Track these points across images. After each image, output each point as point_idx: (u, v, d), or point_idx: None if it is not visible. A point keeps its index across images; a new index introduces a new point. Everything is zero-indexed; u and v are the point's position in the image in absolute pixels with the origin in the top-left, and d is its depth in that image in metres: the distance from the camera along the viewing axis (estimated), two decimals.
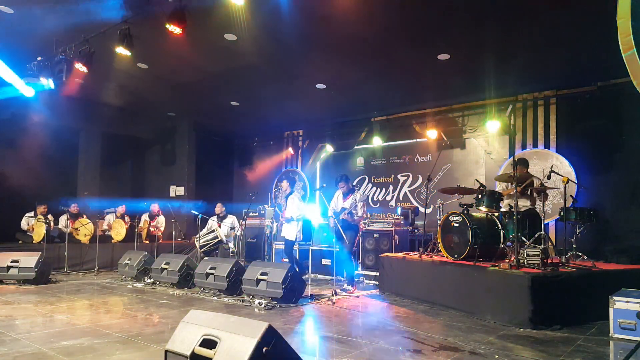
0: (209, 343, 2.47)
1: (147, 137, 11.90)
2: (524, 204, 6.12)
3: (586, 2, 5.07)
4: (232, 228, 9.15)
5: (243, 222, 9.19)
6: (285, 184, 7.73)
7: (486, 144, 8.64)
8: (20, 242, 8.67)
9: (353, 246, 6.74)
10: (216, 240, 8.57)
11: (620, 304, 4.30)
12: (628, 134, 7.03)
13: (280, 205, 11.33)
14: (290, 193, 7.64)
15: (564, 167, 7.51)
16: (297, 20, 5.78)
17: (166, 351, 2.66)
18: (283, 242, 7.85)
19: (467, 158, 8.86)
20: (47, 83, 6.96)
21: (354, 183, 8.40)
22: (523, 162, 6.45)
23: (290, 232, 7.36)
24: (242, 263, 6.86)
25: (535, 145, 8.00)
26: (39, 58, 7.05)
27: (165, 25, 5.40)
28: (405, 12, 5.56)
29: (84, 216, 9.33)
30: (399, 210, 8.60)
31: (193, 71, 7.76)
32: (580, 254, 6.02)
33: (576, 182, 7.22)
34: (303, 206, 7.61)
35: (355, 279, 6.87)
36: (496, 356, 3.65)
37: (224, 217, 9.26)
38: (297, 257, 7.68)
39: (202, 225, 8.59)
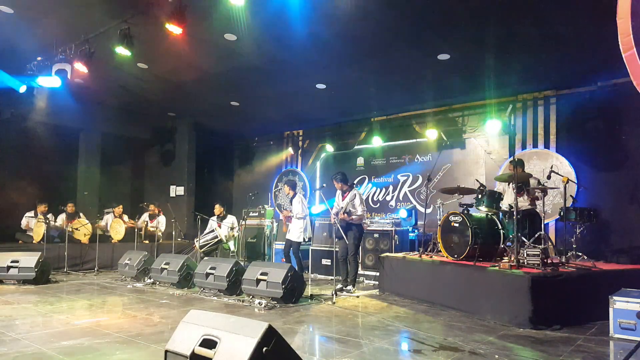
0: (209, 343, 2.47)
1: (147, 137, 11.90)
2: (522, 203, 6.12)
3: (586, 1, 5.07)
4: (232, 228, 9.15)
5: (243, 222, 9.20)
6: (287, 188, 7.75)
7: (486, 144, 8.64)
8: (20, 242, 8.67)
9: (355, 246, 6.70)
10: (216, 240, 8.57)
11: (620, 304, 4.30)
12: (628, 134, 7.03)
13: (281, 205, 11.36)
14: (294, 196, 7.65)
15: (564, 167, 7.50)
16: (297, 20, 5.78)
17: (166, 351, 2.66)
18: (283, 242, 7.86)
19: (467, 158, 8.86)
20: (48, 83, 6.96)
21: (355, 182, 8.37)
22: (519, 163, 6.45)
23: (294, 233, 7.37)
24: (242, 263, 6.87)
25: (535, 145, 8.00)
26: (39, 58, 7.05)
27: (165, 25, 5.40)
28: (405, 11, 5.56)
29: (81, 216, 9.33)
30: (400, 212, 8.58)
31: (193, 71, 7.76)
32: (580, 254, 6.03)
33: (576, 182, 7.22)
34: (306, 207, 7.66)
35: (356, 279, 6.86)
36: (496, 356, 3.65)
37: (224, 218, 9.26)
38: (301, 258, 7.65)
39: (202, 226, 8.59)
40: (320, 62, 7.21)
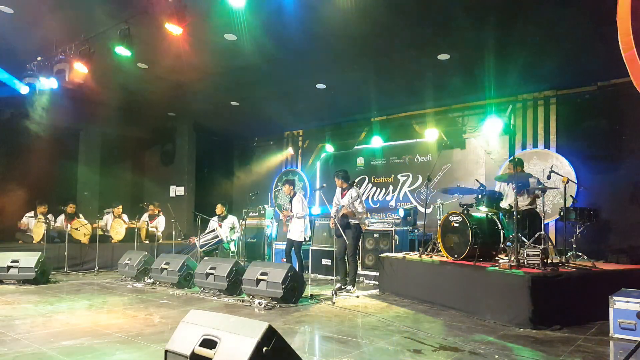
0: (209, 343, 2.47)
1: (147, 137, 11.90)
2: (522, 203, 6.12)
3: (586, 1, 5.07)
4: (232, 228, 9.15)
5: (243, 222, 9.20)
6: (287, 187, 7.72)
7: (486, 144, 8.64)
8: (20, 242, 8.67)
9: (354, 245, 6.70)
10: (216, 239, 8.57)
11: (620, 304, 4.30)
12: (628, 134, 7.03)
13: (281, 205, 11.35)
14: (293, 195, 7.64)
15: (564, 167, 7.51)
16: (297, 20, 5.78)
17: (166, 351, 2.66)
18: (284, 243, 7.85)
19: (467, 158, 8.86)
20: (48, 83, 6.96)
21: (355, 181, 8.36)
22: (519, 162, 6.46)
23: (295, 232, 7.36)
24: (242, 263, 6.86)
25: (535, 145, 8.00)
26: (39, 58, 7.05)
27: (165, 25, 5.40)
28: (405, 11, 5.56)
29: (81, 216, 9.33)
30: (400, 212, 8.57)
31: (193, 71, 7.76)
32: (580, 254, 6.03)
33: (576, 182, 7.22)
34: (306, 206, 7.65)
35: (356, 279, 6.86)
36: (496, 356, 3.65)
37: (225, 217, 9.26)
38: (302, 258, 7.64)
39: (202, 226, 8.58)
40: (320, 62, 7.22)
